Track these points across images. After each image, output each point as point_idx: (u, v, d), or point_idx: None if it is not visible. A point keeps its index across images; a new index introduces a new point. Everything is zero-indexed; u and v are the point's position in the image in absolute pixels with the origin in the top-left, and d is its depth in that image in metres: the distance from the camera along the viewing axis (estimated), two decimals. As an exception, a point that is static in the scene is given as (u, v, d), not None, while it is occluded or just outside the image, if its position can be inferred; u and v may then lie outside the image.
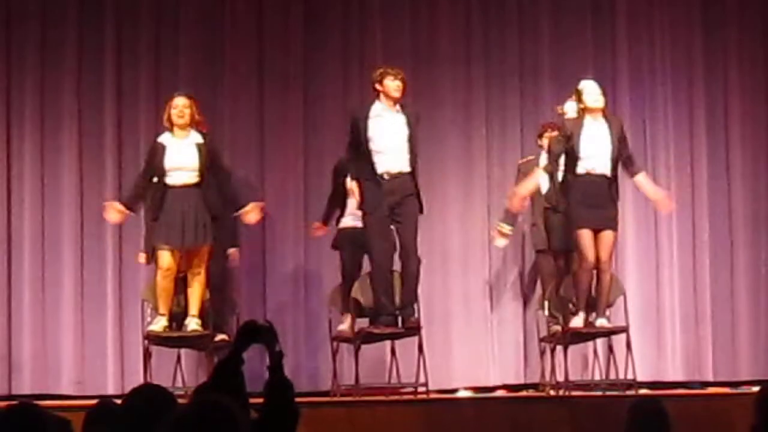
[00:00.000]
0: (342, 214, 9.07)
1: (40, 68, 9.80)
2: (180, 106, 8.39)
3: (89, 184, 9.75)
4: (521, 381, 9.80)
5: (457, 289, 9.98)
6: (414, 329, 8.58)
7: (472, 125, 10.08)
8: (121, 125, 9.78)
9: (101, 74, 9.77)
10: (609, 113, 8.66)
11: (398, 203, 8.38)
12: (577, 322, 8.58)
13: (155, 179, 8.34)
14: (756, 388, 6.07)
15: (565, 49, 10.16)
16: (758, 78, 10.29)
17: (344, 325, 8.90)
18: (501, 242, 9.45)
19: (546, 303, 8.93)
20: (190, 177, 8.30)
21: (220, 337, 8.63)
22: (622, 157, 8.53)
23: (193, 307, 8.41)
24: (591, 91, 8.55)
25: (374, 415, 7.85)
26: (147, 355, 8.48)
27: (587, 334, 8.88)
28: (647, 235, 10.09)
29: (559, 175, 8.68)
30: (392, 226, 8.43)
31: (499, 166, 10.03)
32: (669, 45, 10.31)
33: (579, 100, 8.57)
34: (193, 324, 8.42)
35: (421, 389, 8.66)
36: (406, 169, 8.38)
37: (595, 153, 8.45)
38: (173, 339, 8.59)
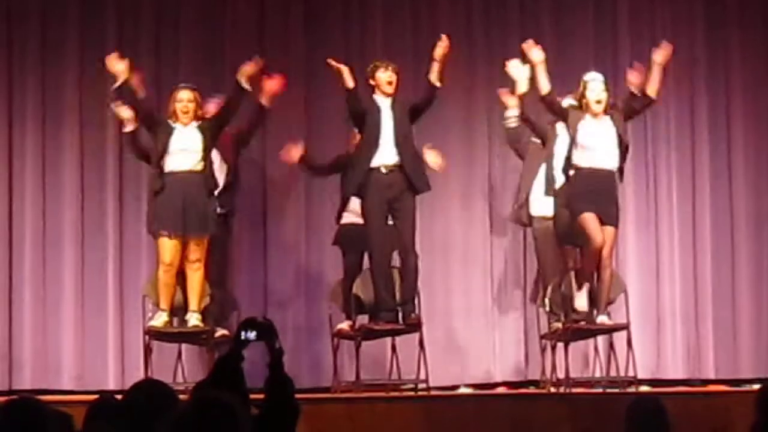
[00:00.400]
0: (344, 210, 9.04)
1: (41, 66, 9.81)
2: (185, 100, 8.42)
3: (90, 182, 9.76)
4: (522, 378, 9.79)
5: (457, 286, 9.98)
6: (415, 326, 8.60)
7: (473, 123, 10.08)
8: (122, 124, 9.77)
9: (102, 72, 9.76)
10: (611, 108, 8.61)
11: (396, 198, 8.41)
12: (582, 300, 8.54)
13: (156, 163, 8.34)
14: (757, 386, 6.07)
15: (566, 46, 10.15)
16: (760, 75, 10.27)
17: (344, 323, 8.91)
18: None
19: (547, 300, 8.92)
20: (194, 162, 8.31)
21: (220, 332, 8.64)
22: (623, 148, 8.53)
23: (194, 303, 8.42)
24: (594, 87, 8.51)
25: (374, 411, 7.86)
26: (148, 350, 8.49)
27: (588, 331, 8.88)
28: (648, 231, 10.08)
29: (557, 170, 8.68)
30: (390, 222, 8.47)
31: (500, 165, 10.02)
32: (671, 42, 10.28)
33: (583, 93, 8.54)
34: (193, 319, 8.43)
35: (421, 386, 8.67)
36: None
37: (596, 147, 8.44)
38: (174, 334, 8.61)
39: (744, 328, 10.08)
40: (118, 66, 8.45)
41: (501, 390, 9.60)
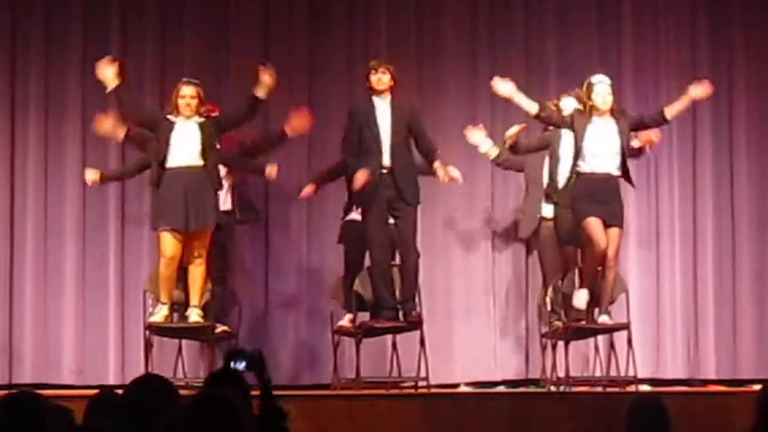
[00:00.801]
0: (350, 208, 9.03)
1: (45, 59, 9.82)
2: (187, 96, 8.41)
3: (92, 176, 9.75)
4: (522, 376, 9.79)
5: (458, 284, 9.97)
6: (415, 323, 8.60)
7: (476, 122, 10.06)
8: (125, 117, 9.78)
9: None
10: (617, 111, 8.59)
11: (396, 197, 8.41)
12: (580, 299, 8.54)
13: (158, 158, 8.33)
14: (757, 387, 6.06)
15: (570, 45, 10.15)
16: (763, 75, 10.26)
17: (345, 319, 8.91)
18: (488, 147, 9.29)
19: (548, 299, 8.92)
20: (194, 157, 8.30)
21: (221, 328, 8.64)
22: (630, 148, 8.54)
23: (195, 298, 8.43)
24: (600, 91, 8.47)
25: (375, 408, 7.85)
26: (148, 345, 8.49)
27: (588, 331, 8.88)
28: (649, 231, 10.07)
29: (561, 173, 8.68)
30: (391, 221, 8.47)
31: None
32: (674, 42, 10.30)
33: (588, 95, 8.51)
34: (194, 315, 8.44)
35: (421, 383, 8.68)
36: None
37: (601, 152, 8.42)
38: (174, 329, 8.62)
39: (744, 329, 10.07)
40: (106, 72, 8.45)
41: (501, 388, 9.59)
